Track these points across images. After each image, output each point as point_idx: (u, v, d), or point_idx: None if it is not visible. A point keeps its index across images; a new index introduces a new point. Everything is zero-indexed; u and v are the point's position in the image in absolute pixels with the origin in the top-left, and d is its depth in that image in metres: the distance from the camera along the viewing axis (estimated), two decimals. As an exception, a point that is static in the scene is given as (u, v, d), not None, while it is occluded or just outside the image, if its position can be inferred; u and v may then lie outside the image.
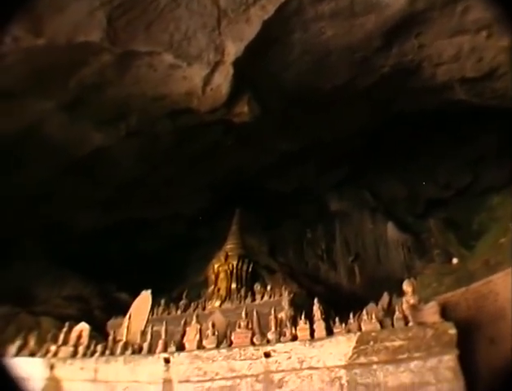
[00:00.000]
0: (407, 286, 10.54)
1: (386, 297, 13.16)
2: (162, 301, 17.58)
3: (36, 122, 15.99)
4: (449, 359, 8.95)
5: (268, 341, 10.76)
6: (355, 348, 9.63)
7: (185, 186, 22.79)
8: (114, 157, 18.48)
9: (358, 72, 17.34)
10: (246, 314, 11.58)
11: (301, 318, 10.90)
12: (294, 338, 10.50)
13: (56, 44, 13.25)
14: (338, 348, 9.80)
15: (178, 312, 16.64)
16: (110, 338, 13.68)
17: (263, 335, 11.06)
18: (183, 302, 17.54)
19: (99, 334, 15.76)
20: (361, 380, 9.43)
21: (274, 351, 10.38)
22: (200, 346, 11.45)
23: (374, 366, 9.47)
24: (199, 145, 19.60)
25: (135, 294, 17.26)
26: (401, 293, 11.08)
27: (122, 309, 17.32)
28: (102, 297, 23.93)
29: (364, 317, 10.13)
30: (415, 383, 9.00)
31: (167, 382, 11.36)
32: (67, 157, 17.63)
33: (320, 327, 10.33)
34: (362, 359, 9.60)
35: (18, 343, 13.85)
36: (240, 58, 14.77)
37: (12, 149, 16.12)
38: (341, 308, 11.40)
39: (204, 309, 16.31)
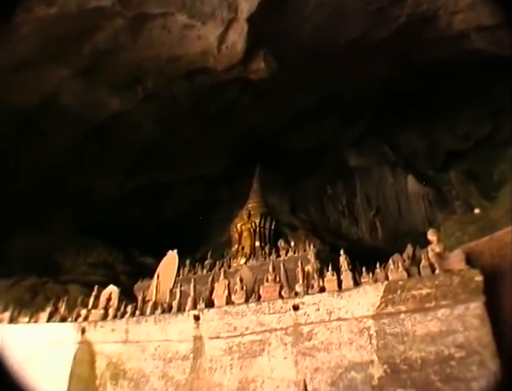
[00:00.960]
0: (432, 235, 10.42)
1: (409, 249, 13.09)
2: (187, 262, 17.55)
3: (53, 90, 16.08)
4: (476, 307, 8.89)
5: (296, 294, 10.78)
6: (382, 297, 9.63)
7: (204, 147, 22.80)
8: (132, 121, 18.52)
9: (373, 23, 17.08)
10: (273, 268, 11.60)
11: (328, 270, 10.90)
12: (322, 290, 10.50)
13: (68, 11, 13.25)
14: (366, 298, 9.81)
15: (204, 271, 16.66)
16: (139, 298, 13.83)
17: (291, 288, 11.11)
18: (208, 262, 17.54)
19: (126, 299, 15.98)
20: (389, 329, 9.45)
21: (302, 303, 10.40)
22: (229, 302, 11.50)
23: (402, 316, 9.47)
24: (216, 105, 19.59)
25: (160, 258, 17.34)
26: (424, 245, 11.01)
27: (147, 274, 17.53)
28: (127, 263, 24.33)
29: (391, 266, 10.10)
30: (443, 331, 8.99)
31: (198, 339, 11.45)
32: (86, 124, 17.73)
33: (347, 277, 10.32)
34: (390, 309, 9.60)
35: (48, 310, 14.06)
36: (253, 14, 14.62)
37: (32, 119, 16.26)
38: (364, 262, 11.33)
39: (229, 267, 16.35)
